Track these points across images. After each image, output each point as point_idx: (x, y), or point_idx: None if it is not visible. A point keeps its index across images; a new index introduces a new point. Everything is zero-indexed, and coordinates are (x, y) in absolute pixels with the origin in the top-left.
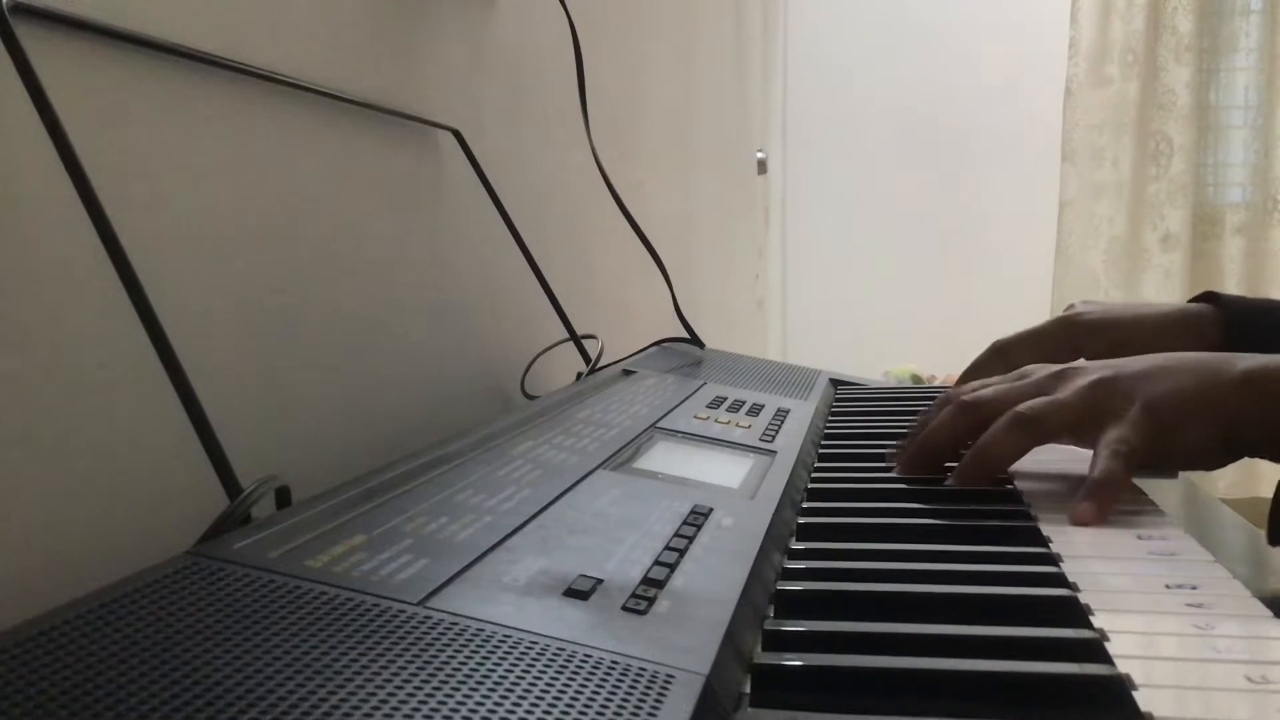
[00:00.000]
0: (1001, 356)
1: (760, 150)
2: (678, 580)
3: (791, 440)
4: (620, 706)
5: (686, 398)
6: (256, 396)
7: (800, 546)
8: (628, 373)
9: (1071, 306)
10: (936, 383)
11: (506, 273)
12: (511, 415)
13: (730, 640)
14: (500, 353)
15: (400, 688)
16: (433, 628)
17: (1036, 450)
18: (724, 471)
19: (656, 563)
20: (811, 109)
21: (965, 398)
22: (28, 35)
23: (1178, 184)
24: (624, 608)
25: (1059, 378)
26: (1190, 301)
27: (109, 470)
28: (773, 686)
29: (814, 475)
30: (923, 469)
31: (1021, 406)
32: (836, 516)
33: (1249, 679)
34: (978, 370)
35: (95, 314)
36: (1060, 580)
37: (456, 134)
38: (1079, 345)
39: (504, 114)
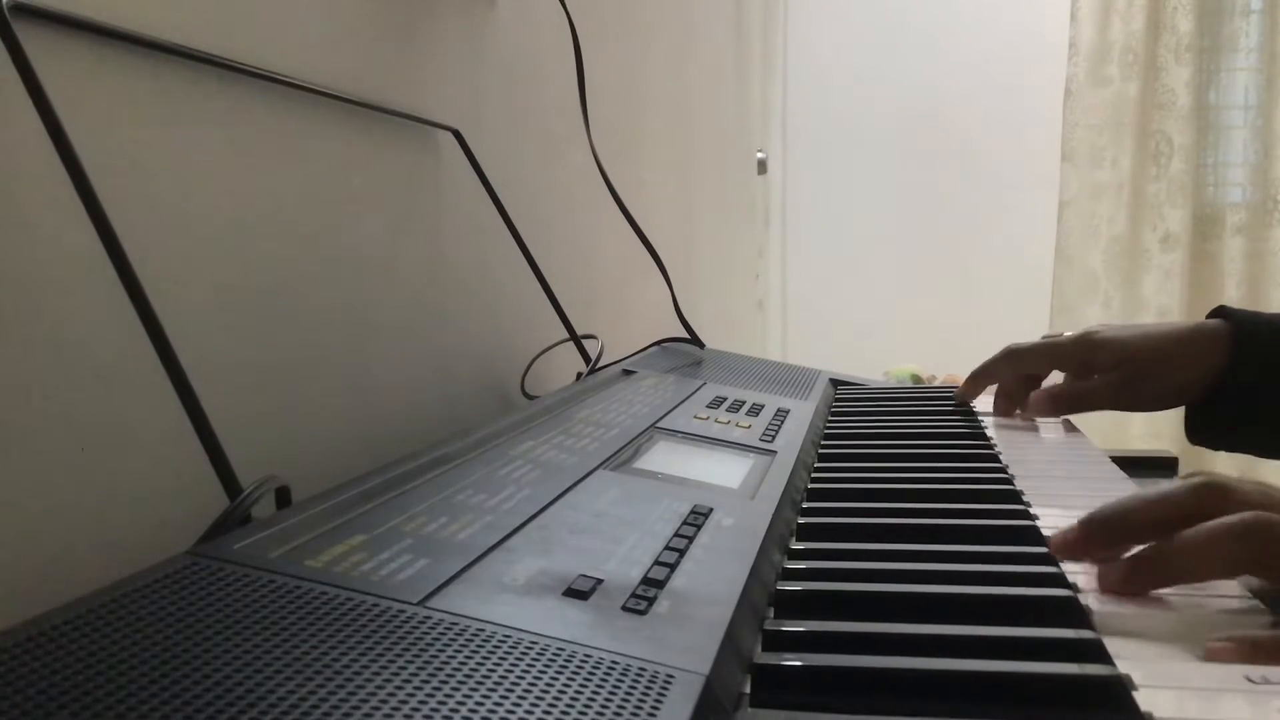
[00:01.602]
0: (1013, 361)
1: (760, 150)
2: (678, 580)
3: (791, 440)
4: (620, 706)
5: (686, 398)
6: (256, 396)
7: (800, 546)
8: (628, 373)
9: (1092, 329)
10: (936, 382)
11: (506, 273)
12: (511, 415)
13: (730, 640)
14: (500, 353)
15: (400, 688)
16: (433, 628)
17: (1035, 449)
18: (724, 471)
19: (656, 563)
20: (811, 109)
21: (1219, 483)
22: (28, 35)
23: (1178, 184)
24: (624, 608)
25: None
26: (1207, 317)
27: (109, 470)
28: (773, 686)
29: (814, 475)
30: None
31: None
32: (836, 516)
33: (1249, 679)
34: (987, 372)
35: (95, 314)
36: (1060, 580)
37: (456, 134)
38: (1090, 360)
39: (504, 114)
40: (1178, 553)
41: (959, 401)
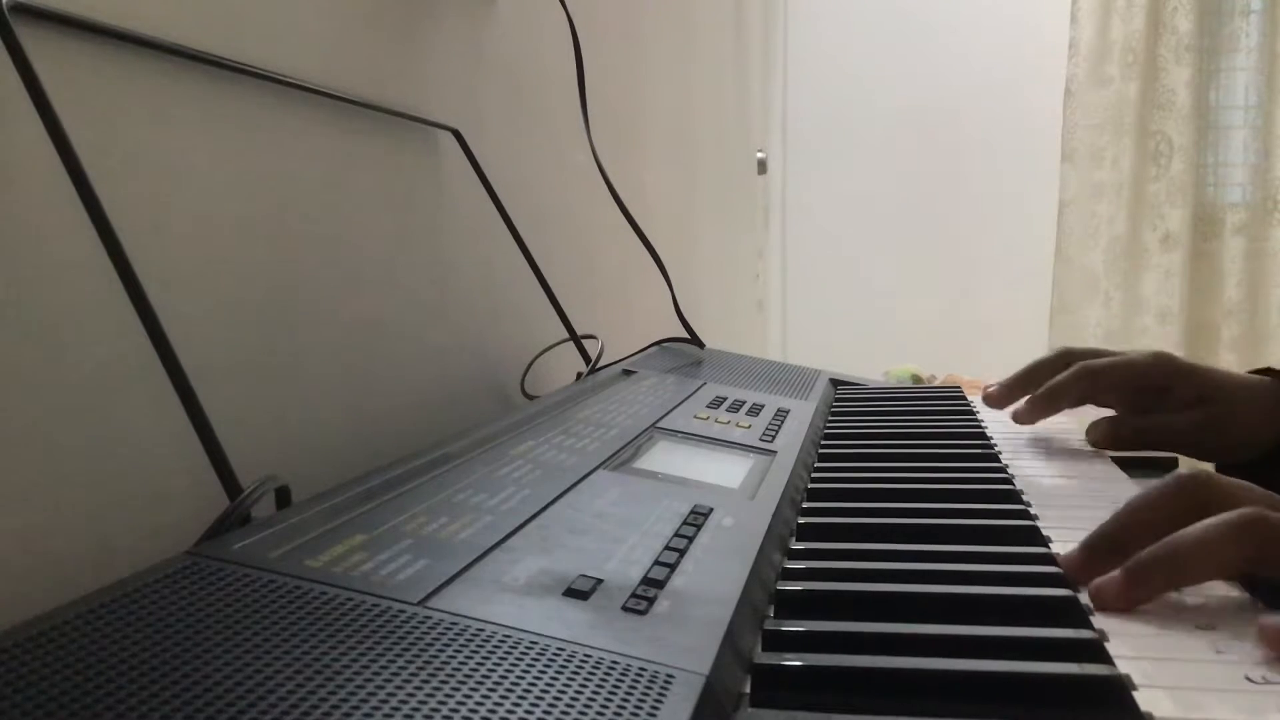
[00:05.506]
0: (1088, 379)
1: (760, 150)
2: (678, 580)
3: (791, 440)
4: (620, 706)
5: (686, 398)
6: (256, 396)
7: (800, 546)
8: (628, 373)
9: (1160, 352)
10: (936, 382)
11: (506, 273)
12: (511, 415)
13: (730, 640)
14: (500, 353)
15: (400, 688)
16: (433, 628)
17: (1035, 449)
18: (724, 471)
19: (656, 563)
20: (811, 109)
21: (1200, 476)
22: (28, 35)
23: (1178, 184)
24: (624, 608)
25: None
26: (1251, 372)
27: (109, 470)
28: (773, 686)
29: (814, 475)
30: (1105, 563)
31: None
32: (836, 516)
33: (1249, 679)
34: (1061, 393)
35: (95, 314)
36: (1060, 580)
37: (456, 134)
38: (1169, 385)
39: (504, 114)
40: (1173, 556)
41: (1019, 423)
